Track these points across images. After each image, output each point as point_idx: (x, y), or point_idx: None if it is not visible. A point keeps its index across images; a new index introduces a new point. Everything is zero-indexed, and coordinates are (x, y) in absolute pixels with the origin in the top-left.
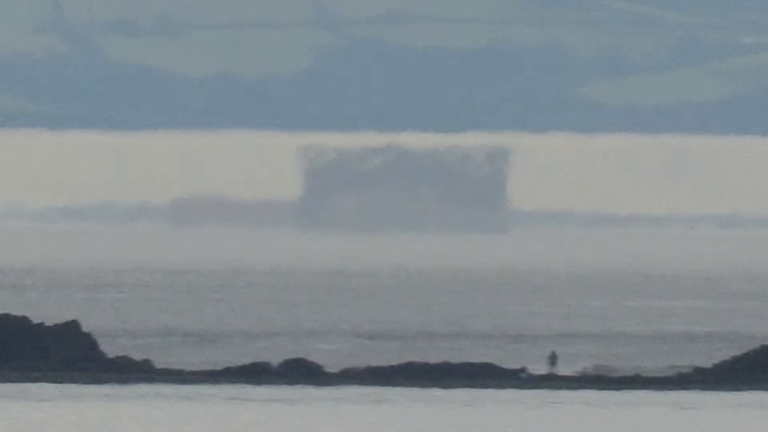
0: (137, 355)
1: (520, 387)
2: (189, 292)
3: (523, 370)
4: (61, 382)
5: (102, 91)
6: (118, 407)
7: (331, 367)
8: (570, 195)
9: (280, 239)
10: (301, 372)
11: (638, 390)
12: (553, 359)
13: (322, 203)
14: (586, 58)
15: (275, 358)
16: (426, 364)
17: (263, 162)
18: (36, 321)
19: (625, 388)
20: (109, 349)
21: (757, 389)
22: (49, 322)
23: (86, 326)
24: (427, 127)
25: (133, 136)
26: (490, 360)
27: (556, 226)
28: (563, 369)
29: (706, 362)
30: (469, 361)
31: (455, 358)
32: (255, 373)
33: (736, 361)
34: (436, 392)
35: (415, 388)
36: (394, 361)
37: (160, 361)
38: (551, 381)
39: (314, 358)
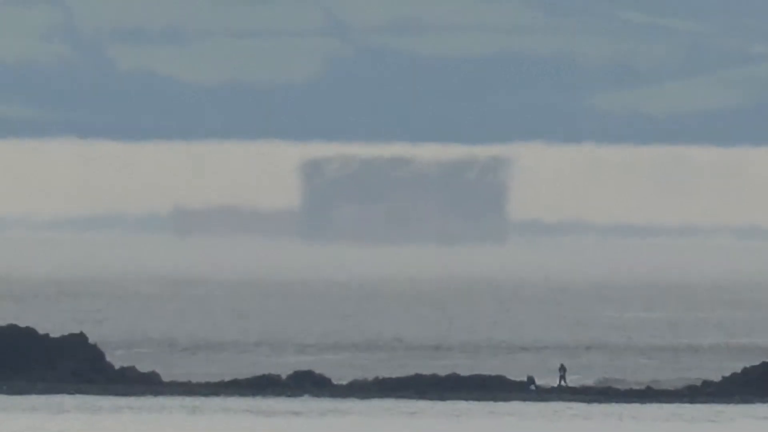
0: (144, 366)
1: (530, 399)
2: (193, 302)
3: (531, 381)
4: (68, 394)
5: (111, 99)
6: (126, 419)
7: (338, 378)
8: (579, 205)
9: (284, 249)
10: (309, 384)
11: (648, 403)
12: (562, 371)
13: (324, 213)
14: (596, 68)
15: (281, 369)
16: (434, 376)
17: (267, 171)
18: (42, 332)
19: (635, 401)
20: (116, 360)
21: (767, 401)
22: (55, 333)
23: (92, 337)
24: (434, 137)
25: (140, 144)
26: (498, 371)
27: (573, 235)
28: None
29: (715, 375)
30: (478, 372)
31: (463, 369)
32: (263, 385)
33: (745, 373)
34: (445, 404)
35: (424, 401)
36: (401, 372)
37: (166, 373)
38: (561, 393)
39: (321, 369)
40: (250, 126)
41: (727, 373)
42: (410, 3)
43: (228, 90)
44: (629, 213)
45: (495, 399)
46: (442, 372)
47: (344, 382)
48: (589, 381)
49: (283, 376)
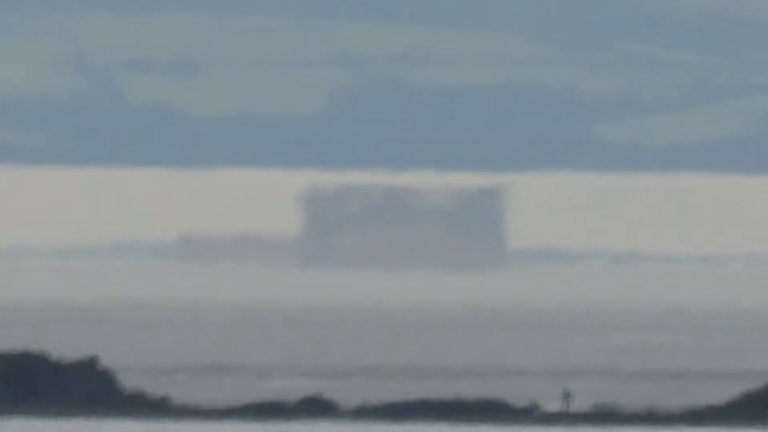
0: (154, 392)
1: (534, 424)
2: (202, 328)
3: (536, 407)
4: (79, 418)
5: (121, 129)
6: None
7: (346, 403)
8: (580, 233)
9: (287, 275)
10: (317, 408)
11: (652, 427)
12: (567, 397)
13: (327, 240)
14: (598, 98)
15: (290, 394)
16: (440, 401)
17: (272, 199)
18: (54, 358)
19: (639, 425)
20: (127, 385)
21: None
22: (67, 359)
23: (103, 363)
24: (438, 166)
25: (147, 173)
26: (501, 397)
27: (575, 263)
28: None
29: (720, 399)
30: (482, 397)
31: (467, 394)
32: (273, 410)
33: (749, 397)
34: (454, 428)
35: (431, 425)
36: (405, 397)
37: (176, 398)
38: (565, 418)
39: (329, 394)
40: (255, 155)
41: (732, 398)
42: (417, 35)
43: (237, 120)
44: (631, 240)
45: (498, 423)
46: (447, 396)
47: (352, 407)
48: (593, 406)
49: (292, 401)
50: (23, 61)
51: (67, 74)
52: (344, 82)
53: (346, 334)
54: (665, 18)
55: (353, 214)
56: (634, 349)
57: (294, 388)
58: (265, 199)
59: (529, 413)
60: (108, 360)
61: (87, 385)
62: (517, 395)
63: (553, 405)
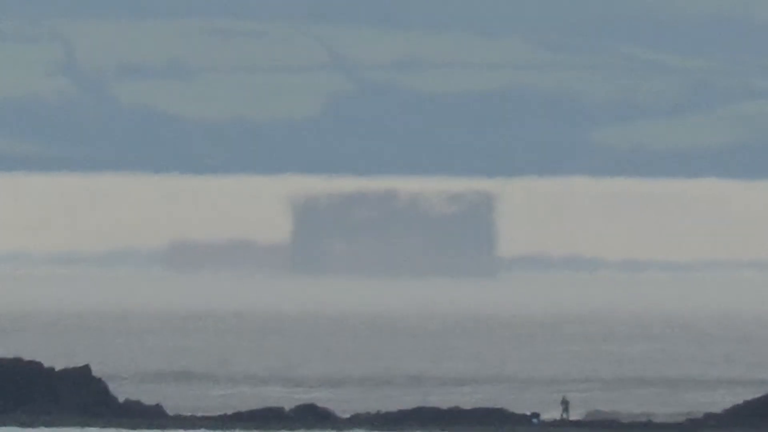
0: (148, 400)
1: None
2: (195, 336)
3: (535, 415)
4: (72, 426)
5: (113, 134)
6: None
7: (341, 412)
8: (575, 239)
9: (277, 282)
10: (312, 417)
11: None
12: (565, 405)
13: (316, 247)
14: (597, 103)
15: (284, 402)
16: (436, 409)
17: (259, 206)
18: (47, 365)
19: None
20: (118, 392)
21: None
22: (59, 367)
23: (96, 371)
24: (430, 172)
25: (137, 178)
26: (500, 405)
27: (571, 270)
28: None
29: (717, 407)
30: (479, 406)
31: (462, 402)
32: (267, 418)
33: (747, 405)
34: None
35: None
36: (400, 406)
37: (170, 406)
38: (564, 427)
39: (323, 403)
40: (247, 160)
41: (729, 406)
42: (412, 40)
43: (229, 125)
44: (627, 247)
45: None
46: (444, 405)
47: (347, 416)
48: (592, 414)
49: (287, 409)
50: (15, 66)
51: (59, 79)
52: (338, 88)
53: (337, 342)
54: (664, 22)
55: (344, 221)
56: (633, 357)
57: (288, 397)
58: (256, 205)
59: (528, 421)
60: (97, 368)
61: (80, 393)
62: (514, 403)
63: (551, 414)
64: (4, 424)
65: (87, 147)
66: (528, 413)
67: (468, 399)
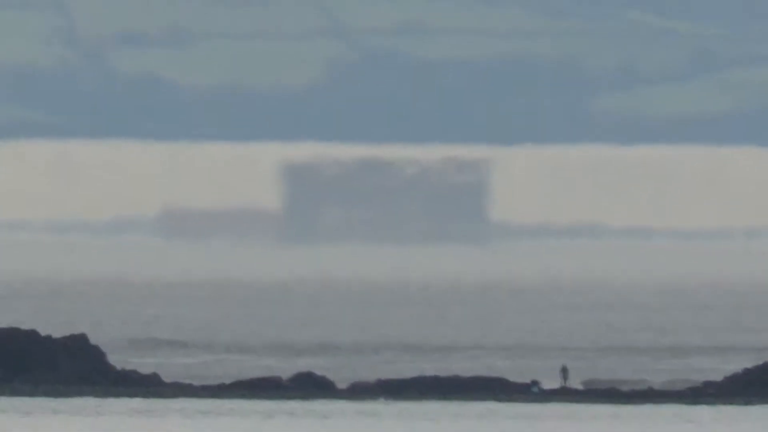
0: (144, 368)
1: (532, 401)
2: (194, 304)
3: (534, 383)
4: (70, 396)
5: (111, 101)
6: (128, 421)
7: (340, 381)
8: (576, 206)
9: (271, 250)
10: (310, 385)
11: (650, 404)
12: (564, 373)
13: (310, 215)
14: (600, 69)
15: (282, 371)
16: (436, 378)
17: (254, 174)
18: (44, 333)
19: (637, 402)
20: (117, 361)
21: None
22: (57, 335)
23: (93, 338)
24: (433, 138)
25: (131, 146)
26: (500, 373)
27: (572, 237)
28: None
29: (717, 375)
30: (479, 374)
31: (463, 371)
32: (265, 387)
33: (747, 374)
34: (447, 406)
35: (426, 402)
36: (403, 374)
37: (167, 375)
38: (564, 395)
39: (322, 371)
40: (244, 128)
41: (729, 374)
42: (412, 8)
43: (227, 93)
44: (626, 215)
45: (497, 400)
46: (444, 374)
47: (346, 385)
48: (592, 382)
49: (284, 378)
50: (12, 33)
51: (57, 47)
52: (338, 54)
53: (330, 309)
54: None
55: (343, 189)
56: (627, 325)
57: (285, 366)
58: (253, 172)
59: (528, 390)
60: (92, 336)
61: (77, 362)
62: (513, 371)
63: (549, 382)
64: (3, 394)
65: (86, 115)
66: (528, 381)
67: (467, 366)
